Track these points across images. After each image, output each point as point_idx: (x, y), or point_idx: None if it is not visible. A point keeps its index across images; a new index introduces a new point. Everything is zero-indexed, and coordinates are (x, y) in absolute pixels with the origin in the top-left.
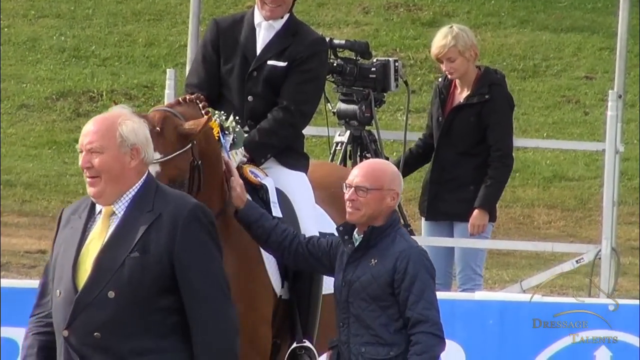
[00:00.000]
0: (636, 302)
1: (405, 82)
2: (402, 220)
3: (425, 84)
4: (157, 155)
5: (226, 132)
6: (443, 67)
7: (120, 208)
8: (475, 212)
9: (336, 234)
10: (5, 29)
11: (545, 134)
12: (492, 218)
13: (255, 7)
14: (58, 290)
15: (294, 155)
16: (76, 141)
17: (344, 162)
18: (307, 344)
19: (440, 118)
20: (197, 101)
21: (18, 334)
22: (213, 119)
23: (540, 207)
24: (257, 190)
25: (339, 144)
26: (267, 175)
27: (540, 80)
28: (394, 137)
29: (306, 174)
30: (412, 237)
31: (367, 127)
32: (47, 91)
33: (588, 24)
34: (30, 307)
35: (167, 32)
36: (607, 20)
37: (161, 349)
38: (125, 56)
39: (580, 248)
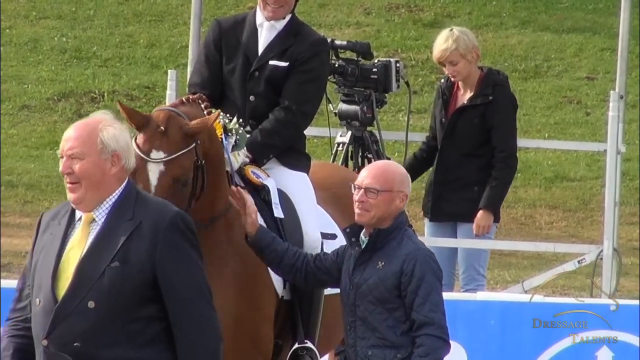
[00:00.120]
0: (636, 302)
1: (407, 83)
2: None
3: (426, 85)
4: (161, 155)
5: (229, 134)
6: (446, 70)
7: (100, 215)
8: (480, 212)
9: (337, 234)
10: (7, 30)
11: (546, 135)
12: (496, 219)
13: (257, 7)
14: (37, 299)
15: (295, 156)
16: None
17: (345, 162)
18: (309, 344)
19: (443, 119)
20: (200, 101)
21: None
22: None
23: (542, 207)
24: (259, 191)
25: (341, 145)
26: (268, 176)
27: (541, 81)
28: (395, 137)
29: (308, 174)
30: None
31: (368, 128)
32: (48, 92)
33: (589, 24)
34: None
35: (168, 33)
36: (608, 21)
37: (143, 358)
38: (127, 57)
39: (582, 248)
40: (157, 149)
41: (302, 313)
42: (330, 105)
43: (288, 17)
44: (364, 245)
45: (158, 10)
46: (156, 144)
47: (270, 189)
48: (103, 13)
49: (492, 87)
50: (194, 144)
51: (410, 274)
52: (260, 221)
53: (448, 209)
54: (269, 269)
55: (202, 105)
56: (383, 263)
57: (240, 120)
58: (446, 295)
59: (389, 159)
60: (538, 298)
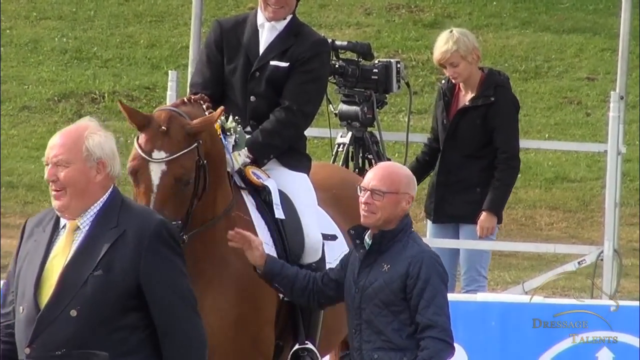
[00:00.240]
0: (636, 303)
1: (407, 84)
2: None
3: (427, 85)
4: (163, 155)
5: (228, 134)
6: (446, 72)
7: (84, 223)
8: (484, 214)
9: (337, 235)
10: (7, 31)
11: (547, 135)
12: (499, 220)
13: (258, 8)
14: (21, 307)
15: (296, 156)
16: None
17: (345, 163)
18: (310, 346)
19: (445, 121)
20: (201, 101)
21: None
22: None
23: (542, 208)
24: (260, 192)
25: (341, 146)
26: (269, 177)
27: (542, 82)
28: (396, 138)
29: (308, 175)
30: None
31: (369, 129)
32: (48, 93)
33: (590, 25)
34: None
35: (168, 34)
36: (609, 22)
37: None
38: (127, 58)
39: (582, 249)
40: (159, 148)
41: (303, 314)
42: (330, 105)
43: (289, 18)
44: (368, 247)
45: (158, 10)
46: (158, 143)
47: (271, 190)
48: (103, 14)
49: (493, 88)
50: (196, 144)
51: (415, 276)
52: (261, 222)
53: (451, 210)
54: None
55: (204, 106)
56: (388, 266)
57: (237, 118)
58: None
59: (389, 159)
60: (538, 299)
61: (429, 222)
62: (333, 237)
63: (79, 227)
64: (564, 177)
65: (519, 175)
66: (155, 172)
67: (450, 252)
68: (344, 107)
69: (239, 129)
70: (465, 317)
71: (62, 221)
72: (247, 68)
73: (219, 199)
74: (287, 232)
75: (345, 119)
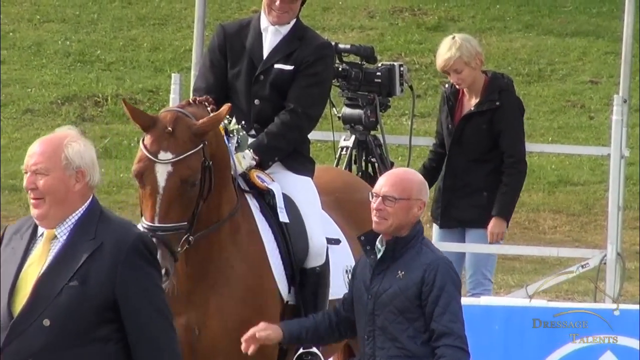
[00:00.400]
0: (636, 307)
1: (411, 87)
2: None
3: (430, 89)
4: (169, 156)
5: (230, 135)
6: (450, 78)
7: (62, 232)
8: (493, 220)
9: (341, 239)
10: (10, 34)
11: (550, 139)
12: (507, 224)
13: (262, 12)
14: None
15: (300, 160)
16: None
17: (349, 167)
18: (314, 349)
19: (450, 126)
20: (206, 103)
21: None
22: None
23: (546, 212)
24: (264, 195)
25: (344, 149)
26: (273, 180)
27: (545, 85)
28: (399, 141)
29: (312, 178)
30: None
31: (372, 132)
32: (52, 96)
33: (593, 28)
34: None
35: (172, 37)
36: (612, 25)
37: None
38: (130, 61)
39: (586, 253)
40: (165, 149)
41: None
42: (334, 109)
43: (293, 22)
44: (380, 254)
45: (162, 14)
46: (164, 144)
47: (276, 193)
48: (107, 17)
49: (498, 92)
50: (202, 145)
51: (431, 283)
52: (266, 226)
53: (457, 215)
54: (274, 273)
55: (209, 108)
56: (403, 272)
57: (243, 123)
58: None
59: (392, 163)
60: (541, 302)
61: (435, 226)
62: (337, 241)
63: (56, 236)
64: (567, 180)
65: None
66: (162, 173)
67: (456, 256)
68: (347, 111)
69: (241, 132)
70: (469, 320)
71: (40, 229)
72: (251, 71)
73: (224, 201)
74: (291, 236)
75: (349, 122)
